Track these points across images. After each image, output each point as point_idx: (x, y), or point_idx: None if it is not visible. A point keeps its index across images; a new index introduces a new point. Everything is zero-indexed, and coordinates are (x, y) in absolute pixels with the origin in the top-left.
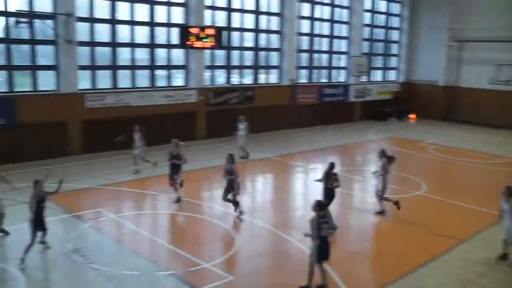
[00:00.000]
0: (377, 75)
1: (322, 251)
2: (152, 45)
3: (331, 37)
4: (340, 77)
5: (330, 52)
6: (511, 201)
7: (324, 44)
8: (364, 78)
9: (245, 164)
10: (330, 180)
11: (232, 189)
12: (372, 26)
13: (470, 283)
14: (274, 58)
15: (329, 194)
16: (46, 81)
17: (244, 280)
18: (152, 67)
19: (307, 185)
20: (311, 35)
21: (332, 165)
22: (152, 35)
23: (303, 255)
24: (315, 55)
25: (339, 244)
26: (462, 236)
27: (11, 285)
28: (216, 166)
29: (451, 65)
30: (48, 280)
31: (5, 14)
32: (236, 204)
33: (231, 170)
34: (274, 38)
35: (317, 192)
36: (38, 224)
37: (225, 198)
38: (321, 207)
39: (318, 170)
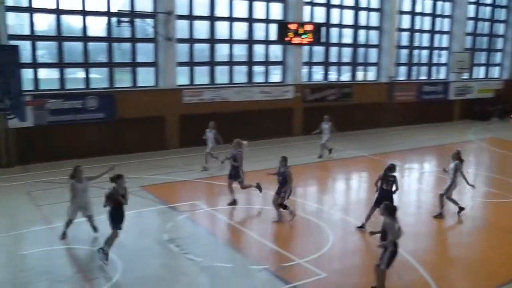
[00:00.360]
0: (479, 72)
1: (393, 257)
2: (250, 41)
3: (432, 32)
4: (440, 74)
5: (431, 48)
6: None
7: (424, 39)
8: (465, 75)
9: (339, 161)
10: (386, 182)
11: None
12: (476, 19)
13: None
14: (372, 54)
15: (384, 196)
16: (145, 78)
17: (336, 278)
18: (249, 63)
19: (401, 185)
20: (412, 30)
21: (391, 166)
22: (250, 31)
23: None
24: (415, 51)
25: (435, 248)
26: None
27: (110, 269)
28: (310, 164)
29: None
30: (144, 267)
31: (108, 14)
32: (284, 207)
33: (284, 173)
34: (373, 34)
35: (411, 192)
36: (118, 218)
37: (276, 202)
38: (391, 210)
39: (414, 170)
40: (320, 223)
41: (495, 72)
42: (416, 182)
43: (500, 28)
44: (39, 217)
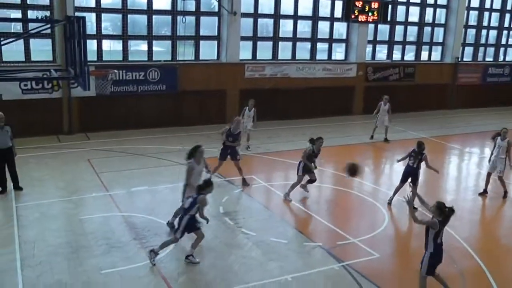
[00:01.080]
0: None
1: (434, 262)
2: (314, 18)
3: (502, 11)
4: (508, 56)
5: (500, 28)
6: None
7: (493, 19)
8: None
9: (399, 142)
10: (412, 159)
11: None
12: None
13: None
14: (438, 34)
15: (409, 171)
16: (208, 51)
17: (389, 259)
18: (313, 40)
19: (460, 169)
20: (481, 9)
21: (419, 144)
22: (315, 8)
23: (452, 240)
24: (483, 32)
25: (491, 235)
26: None
27: (165, 239)
28: (368, 143)
29: None
30: None
31: None
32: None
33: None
34: (441, 12)
35: (470, 176)
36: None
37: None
38: (443, 211)
39: (474, 154)
40: (376, 203)
41: None
42: (475, 167)
43: None
44: (98, 184)
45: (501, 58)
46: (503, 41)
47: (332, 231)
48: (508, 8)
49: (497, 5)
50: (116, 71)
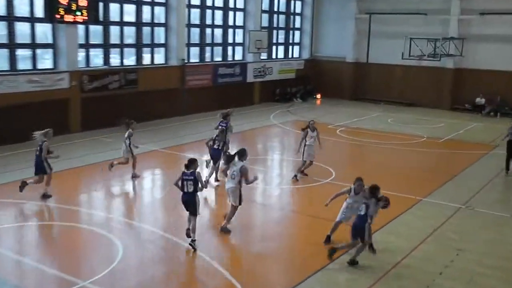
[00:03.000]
0: (279, 52)
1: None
2: (10, 18)
3: (225, 9)
4: (237, 54)
5: (225, 26)
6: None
7: (217, 17)
8: (264, 55)
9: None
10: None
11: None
12: None
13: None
14: (160, 34)
15: (215, 154)
16: None
17: None
18: (11, 45)
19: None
20: (203, 7)
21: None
22: (10, 5)
23: (196, 260)
24: (208, 30)
25: (241, 244)
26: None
27: None
28: (95, 164)
29: (360, 40)
30: None
31: None
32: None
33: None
34: (160, 11)
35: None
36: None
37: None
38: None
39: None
40: (108, 234)
41: (295, 51)
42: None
43: (298, 6)
44: None
45: (230, 57)
46: (230, 40)
47: (57, 278)
48: (231, 6)
49: (219, 2)
50: None
